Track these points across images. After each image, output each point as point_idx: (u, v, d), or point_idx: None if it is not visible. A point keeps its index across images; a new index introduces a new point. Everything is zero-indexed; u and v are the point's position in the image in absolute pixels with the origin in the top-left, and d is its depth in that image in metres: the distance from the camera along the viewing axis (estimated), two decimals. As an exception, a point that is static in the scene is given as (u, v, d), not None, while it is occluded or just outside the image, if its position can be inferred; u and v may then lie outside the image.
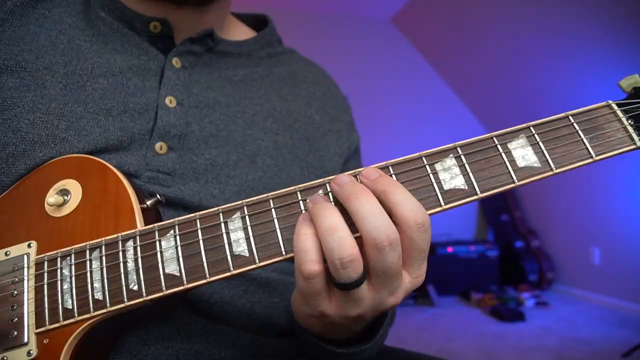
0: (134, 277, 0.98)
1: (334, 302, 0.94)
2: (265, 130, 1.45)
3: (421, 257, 0.93)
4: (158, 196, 1.14)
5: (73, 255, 1.02)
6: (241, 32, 1.63)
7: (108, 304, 0.98)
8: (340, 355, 1.14)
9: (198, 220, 1.00)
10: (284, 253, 0.95)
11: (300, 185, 1.00)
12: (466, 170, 0.98)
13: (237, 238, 0.97)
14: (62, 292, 1.00)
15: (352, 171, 0.99)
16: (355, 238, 0.88)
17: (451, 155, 0.99)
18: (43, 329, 0.99)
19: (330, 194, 0.98)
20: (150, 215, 1.11)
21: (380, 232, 0.86)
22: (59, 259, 1.03)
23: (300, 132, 1.53)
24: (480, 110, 10.29)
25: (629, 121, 1.00)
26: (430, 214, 0.96)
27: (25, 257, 1.05)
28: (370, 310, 0.95)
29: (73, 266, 1.01)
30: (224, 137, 1.37)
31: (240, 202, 1.00)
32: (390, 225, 0.87)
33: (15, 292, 1.03)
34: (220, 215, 1.00)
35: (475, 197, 0.97)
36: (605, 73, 6.89)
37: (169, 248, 0.99)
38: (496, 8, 7.78)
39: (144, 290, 0.97)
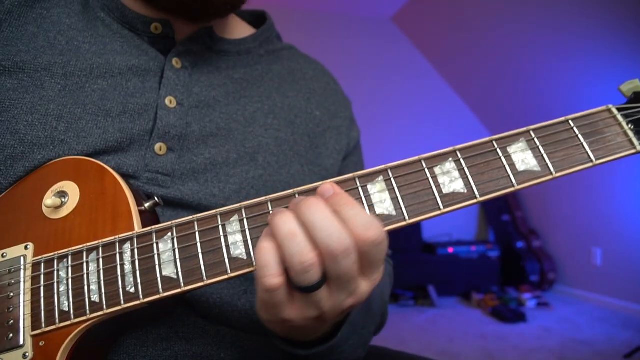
0: (131, 279, 0.98)
1: (295, 306, 0.94)
2: (266, 127, 1.46)
3: (376, 265, 0.94)
4: (156, 198, 1.14)
5: (70, 257, 1.02)
6: (240, 29, 1.63)
7: (105, 306, 0.98)
8: (302, 358, 1.15)
9: (196, 223, 1.00)
10: (282, 256, 0.95)
11: (298, 189, 1.00)
12: (465, 174, 0.98)
13: (235, 241, 0.98)
14: (58, 294, 1.01)
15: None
16: None
17: (450, 159, 1.00)
18: (39, 331, 1.00)
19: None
20: (148, 218, 1.11)
21: (332, 240, 0.86)
22: (55, 260, 1.03)
23: (301, 128, 1.54)
24: (481, 109, 10.29)
25: (629, 126, 1.00)
26: (429, 218, 0.97)
27: (22, 258, 1.05)
28: (330, 311, 0.95)
29: (70, 268, 1.02)
30: (224, 135, 1.37)
31: (238, 205, 1.00)
32: (343, 232, 0.88)
33: (12, 294, 1.03)
34: (219, 217, 1.00)
35: (475, 200, 0.97)
36: (606, 73, 6.89)
37: (166, 250, 0.99)
38: (497, 7, 7.77)
39: (140, 293, 0.97)
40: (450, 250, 9.05)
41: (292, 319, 0.95)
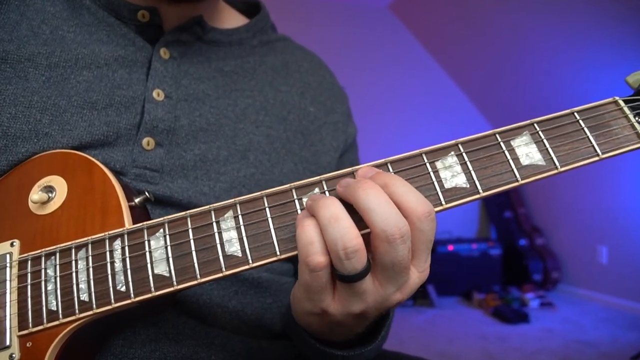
0: (122, 277, 0.98)
1: (337, 298, 0.94)
2: (257, 124, 1.45)
3: (428, 248, 0.94)
4: (147, 193, 1.14)
5: (58, 255, 1.02)
6: (232, 19, 1.62)
7: (94, 306, 0.98)
8: (339, 358, 1.14)
9: (189, 219, 1.00)
10: (278, 253, 0.96)
11: (295, 183, 1.00)
12: (468, 169, 0.98)
13: (230, 238, 0.98)
14: (46, 293, 1.00)
15: (347, 169, 0.99)
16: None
17: (452, 152, 1.00)
18: (26, 331, 1.00)
19: (327, 192, 0.98)
20: (139, 214, 1.11)
21: (390, 224, 0.86)
22: (43, 258, 1.03)
23: (294, 125, 1.53)
24: (482, 101, 10.28)
25: (637, 118, 1.01)
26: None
27: (8, 256, 1.05)
28: (374, 306, 0.95)
29: (58, 266, 1.01)
30: (214, 131, 1.37)
31: (232, 200, 1.00)
32: (401, 216, 0.88)
33: (-3, 293, 1.03)
34: (212, 213, 1.00)
35: (477, 196, 0.97)
36: (612, 64, 6.88)
37: (158, 248, 0.99)
38: (499, -6, 7.79)
39: (132, 292, 0.97)
40: (450, 248, 9.05)
41: (333, 312, 0.95)
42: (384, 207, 0.87)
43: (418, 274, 0.95)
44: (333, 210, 0.88)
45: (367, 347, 1.14)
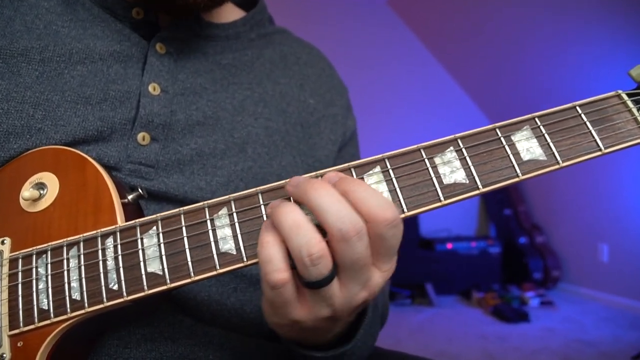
0: (114, 276, 0.98)
1: (305, 306, 0.94)
2: (256, 116, 1.45)
3: (391, 252, 0.93)
4: (140, 190, 1.14)
5: (49, 253, 1.02)
6: (229, 13, 1.61)
7: (86, 305, 0.97)
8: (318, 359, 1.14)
9: (182, 216, 1.00)
10: (273, 251, 0.95)
11: (291, 179, 0.98)
12: (467, 164, 0.98)
13: (224, 235, 0.97)
14: (37, 292, 1.00)
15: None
16: None
17: (451, 147, 0.99)
18: (17, 331, 0.99)
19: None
20: (132, 211, 1.11)
21: (344, 222, 0.85)
22: (34, 256, 1.03)
23: (293, 118, 1.53)
24: (481, 97, 10.30)
25: (640, 112, 1.00)
26: (429, 210, 0.97)
27: (-2, 254, 1.04)
28: (342, 308, 0.95)
29: (49, 264, 1.01)
30: (211, 125, 1.37)
31: (227, 196, 1.00)
32: (354, 214, 0.87)
33: (-13, 292, 1.02)
34: (206, 210, 0.99)
35: (477, 192, 0.97)
36: (614, 60, 6.89)
37: (151, 245, 0.99)
38: (499, -11, 7.79)
39: (124, 290, 0.97)
40: (449, 246, 9.08)
41: (302, 319, 0.95)
42: (336, 205, 0.87)
43: (381, 273, 0.95)
44: (293, 218, 0.87)
45: (345, 347, 1.13)
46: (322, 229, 0.88)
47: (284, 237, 0.88)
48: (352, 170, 0.99)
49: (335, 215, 0.86)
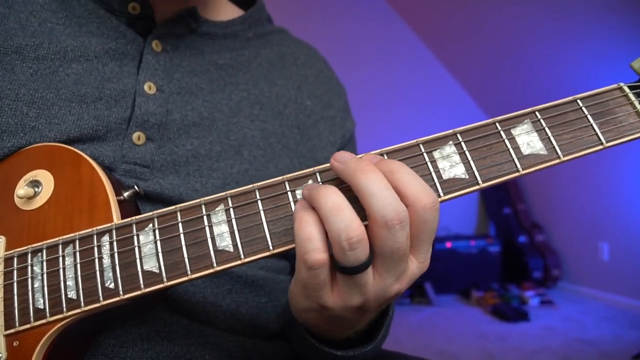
0: (110, 274, 0.97)
1: (336, 292, 0.94)
2: (252, 118, 1.44)
3: (430, 239, 0.93)
4: (136, 187, 1.13)
5: (45, 251, 1.02)
6: (227, 11, 1.61)
7: (82, 304, 0.97)
8: (339, 358, 1.14)
9: (179, 213, 0.99)
10: (271, 248, 0.95)
11: (288, 175, 0.99)
12: (467, 158, 0.98)
13: (221, 232, 0.97)
14: (32, 290, 1.00)
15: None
16: None
17: (450, 142, 0.99)
18: (12, 330, 0.99)
19: (321, 183, 0.97)
20: (128, 208, 1.11)
21: (390, 209, 0.85)
22: (29, 255, 1.02)
23: (290, 120, 1.52)
24: (481, 95, 10.30)
25: (643, 105, 1.00)
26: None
27: (-7, 253, 1.04)
28: (374, 298, 0.94)
29: (45, 263, 1.01)
30: (207, 126, 1.36)
31: (224, 193, 0.99)
32: (400, 202, 0.87)
33: (-18, 291, 1.02)
34: (203, 207, 0.99)
35: (477, 187, 0.96)
36: (614, 58, 6.88)
37: (147, 243, 0.98)
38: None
39: (120, 289, 0.96)
40: (448, 245, 9.10)
41: (333, 306, 0.95)
42: (384, 192, 0.86)
43: (418, 264, 0.95)
44: (335, 200, 0.87)
45: (367, 347, 1.14)
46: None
47: (322, 219, 0.87)
48: (349, 165, 0.97)
49: (382, 201, 0.86)
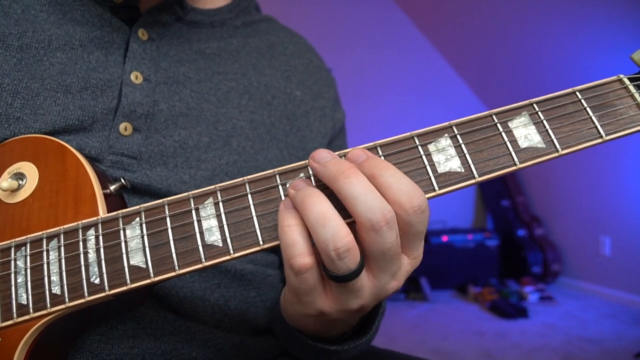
0: (96, 269, 0.98)
1: (331, 297, 0.94)
2: (240, 109, 1.45)
3: (420, 238, 0.94)
4: (122, 180, 1.14)
5: (28, 245, 1.02)
6: None
7: (67, 299, 0.98)
8: (331, 353, 1.15)
9: (166, 207, 1.00)
10: (261, 243, 0.96)
11: (279, 169, 0.99)
12: (462, 152, 0.98)
13: (210, 226, 0.97)
14: (16, 285, 1.00)
15: (338, 152, 0.98)
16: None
17: (446, 135, 0.99)
18: (-5, 326, 0.99)
19: (312, 177, 0.98)
20: (114, 202, 1.11)
21: (375, 212, 0.85)
22: (12, 249, 1.03)
23: (279, 110, 1.53)
24: (478, 83, 10.27)
25: (643, 97, 1.00)
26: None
27: (-25, 247, 1.04)
28: (372, 299, 0.95)
29: (28, 257, 1.01)
30: (195, 116, 1.37)
31: (213, 186, 1.00)
32: (385, 203, 0.87)
33: (-36, 286, 1.02)
34: (191, 201, 0.99)
35: (473, 180, 0.97)
36: (616, 44, 6.88)
37: (134, 237, 0.99)
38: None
39: (106, 284, 0.97)
40: (445, 239, 9.06)
41: (329, 311, 0.96)
42: (367, 194, 0.86)
43: (410, 260, 0.96)
44: (320, 209, 0.87)
45: (361, 340, 1.15)
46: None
47: (309, 228, 0.88)
48: (345, 158, 0.97)
49: (366, 205, 0.86)
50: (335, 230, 0.85)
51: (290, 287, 0.94)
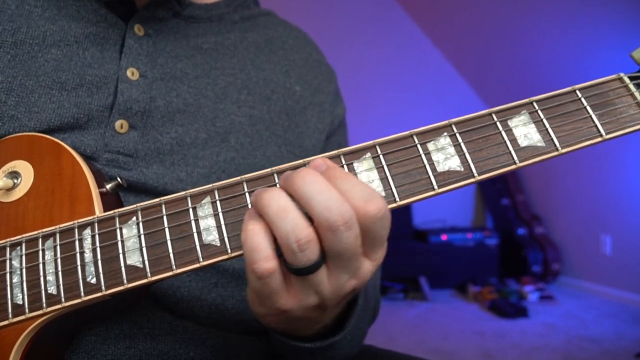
0: (92, 269, 0.98)
1: (292, 294, 0.94)
2: (239, 104, 1.45)
3: (380, 242, 0.93)
4: (119, 179, 1.13)
5: (24, 245, 1.02)
6: None
7: (63, 299, 0.98)
8: (306, 351, 1.14)
9: (163, 206, 1.00)
10: (259, 242, 0.95)
11: (277, 167, 0.99)
12: (462, 150, 0.98)
13: (207, 226, 0.97)
14: (11, 285, 1.00)
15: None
16: None
17: (445, 133, 0.99)
18: (-10, 326, 0.99)
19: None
20: (110, 201, 1.11)
21: (332, 211, 0.85)
22: (7, 248, 1.03)
23: (278, 105, 1.52)
24: (478, 81, 10.26)
25: (643, 96, 1.00)
26: (422, 199, 0.97)
27: (-30, 247, 1.04)
28: (330, 297, 0.95)
29: (24, 257, 1.01)
30: (192, 112, 1.36)
31: (210, 185, 1.00)
32: (343, 203, 0.86)
33: (-41, 286, 1.02)
34: (188, 200, 0.99)
35: (472, 179, 0.97)
36: (616, 41, 6.87)
37: (130, 237, 0.99)
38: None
39: (102, 284, 0.97)
40: (444, 237, 9.06)
41: (290, 308, 0.95)
42: (324, 194, 0.86)
43: (371, 262, 0.95)
44: (279, 203, 0.87)
45: (335, 338, 1.14)
46: (308, 216, 0.88)
47: (269, 224, 0.87)
48: (342, 157, 0.99)
49: (322, 204, 0.85)
50: (295, 222, 0.85)
51: (253, 289, 0.95)
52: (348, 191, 0.88)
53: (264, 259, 0.87)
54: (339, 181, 0.89)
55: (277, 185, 0.98)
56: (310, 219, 0.87)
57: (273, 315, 1.00)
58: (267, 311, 0.98)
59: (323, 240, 0.88)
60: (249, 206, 0.97)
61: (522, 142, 0.98)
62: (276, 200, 0.87)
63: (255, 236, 0.88)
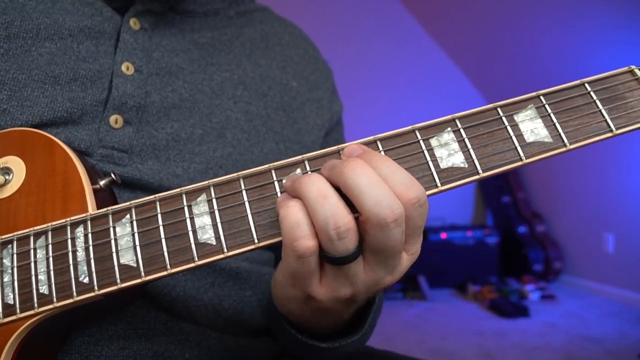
0: (85, 268, 0.97)
1: (325, 283, 0.94)
2: (235, 100, 1.44)
3: (419, 233, 0.93)
4: (113, 175, 1.13)
5: (15, 243, 1.01)
6: None
7: (55, 299, 0.97)
8: (324, 350, 1.14)
9: (158, 203, 0.99)
10: (256, 241, 0.94)
11: (274, 164, 0.98)
12: (466, 146, 0.97)
13: (203, 224, 0.96)
14: (2, 285, 0.99)
15: (333, 147, 0.98)
16: None
17: (449, 129, 0.98)
18: (-20, 327, 0.98)
19: (309, 172, 0.97)
20: (104, 198, 1.10)
21: (383, 206, 0.84)
22: (-1, 247, 1.01)
23: (275, 101, 1.52)
24: (479, 77, 10.29)
25: (655, 90, 0.99)
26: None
27: (-40, 245, 1.03)
28: (364, 290, 0.95)
29: (15, 255, 1.00)
30: (188, 108, 1.36)
31: (206, 182, 0.99)
32: (394, 198, 0.86)
33: (-52, 285, 1.01)
34: (184, 197, 0.99)
35: (477, 176, 0.96)
36: (619, 35, 6.87)
37: (124, 235, 0.98)
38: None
39: (95, 284, 0.96)
40: (444, 236, 9.10)
41: (320, 298, 0.95)
42: (376, 188, 0.85)
43: (408, 256, 0.95)
44: (320, 187, 0.86)
45: (353, 338, 1.14)
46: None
47: (308, 208, 0.87)
48: (341, 153, 0.97)
49: (373, 198, 0.84)
50: (335, 208, 0.85)
51: (288, 269, 0.93)
52: (387, 176, 0.87)
53: (306, 236, 0.86)
54: (378, 165, 0.88)
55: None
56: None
57: (299, 301, 0.99)
58: (296, 294, 0.97)
59: (368, 235, 0.87)
60: (246, 204, 0.96)
61: (529, 138, 0.97)
62: (316, 185, 0.87)
63: (297, 212, 0.87)
